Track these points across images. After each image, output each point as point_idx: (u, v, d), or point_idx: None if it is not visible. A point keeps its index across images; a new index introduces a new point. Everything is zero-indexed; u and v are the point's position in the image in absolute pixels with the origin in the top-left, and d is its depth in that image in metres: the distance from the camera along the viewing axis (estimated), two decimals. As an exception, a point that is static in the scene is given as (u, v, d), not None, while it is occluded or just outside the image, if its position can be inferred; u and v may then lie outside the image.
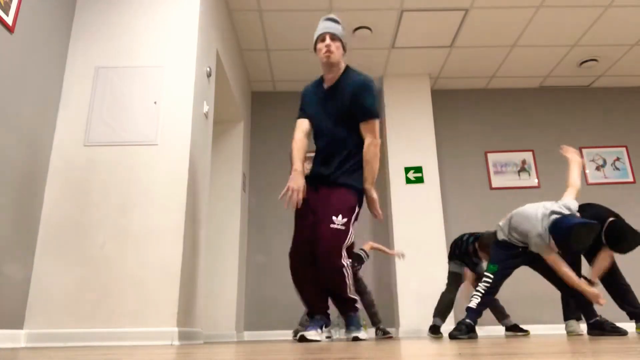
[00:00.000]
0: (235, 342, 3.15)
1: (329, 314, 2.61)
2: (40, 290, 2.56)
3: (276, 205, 5.19)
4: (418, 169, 5.09)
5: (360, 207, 2.62)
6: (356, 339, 2.50)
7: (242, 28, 4.57)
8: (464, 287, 3.90)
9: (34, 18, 2.67)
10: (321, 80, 2.76)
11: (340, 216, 2.44)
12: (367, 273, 4.77)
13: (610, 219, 3.10)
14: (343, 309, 2.59)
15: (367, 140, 2.58)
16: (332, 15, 2.68)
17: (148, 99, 2.93)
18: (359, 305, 2.62)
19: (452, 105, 5.69)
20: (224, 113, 4.65)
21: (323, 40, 2.59)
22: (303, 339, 2.42)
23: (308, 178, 2.65)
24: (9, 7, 2.42)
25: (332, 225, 2.42)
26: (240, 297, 4.55)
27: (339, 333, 4.21)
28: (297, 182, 2.50)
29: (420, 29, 4.65)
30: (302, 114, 2.77)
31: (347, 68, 2.67)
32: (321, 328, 2.52)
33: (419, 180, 5.05)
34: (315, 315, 2.57)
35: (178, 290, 2.58)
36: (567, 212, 2.84)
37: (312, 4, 4.23)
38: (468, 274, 3.83)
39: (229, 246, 4.47)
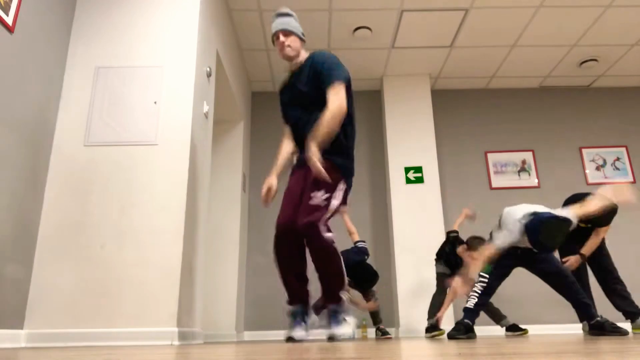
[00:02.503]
0: (235, 342, 3.15)
1: (308, 301, 2.54)
2: (40, 290, 2.56)
3: (276, 205, 5.17)
4: (418, 169, 5.09)
5: (347, 182, 2.56)
6: (331, 338, 2.35)
7: (242, 28, 4.57)
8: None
9: (34, 18, 2.66)
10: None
11: (321, 191, 2.42)
12: (367, 273, 4.76)
13: None
14: (328, 295, 2.45)
15: (328, 103, 2.44)
16: (282, 10, 2.72)
17: (148, 99, 2.93)
18: (344, 296, 2.45)
19: (452, 105, 5.68)
20: (224, 113, 4.64)
21: (277, 38, 2.66)
22: (291, 340, 2.38)
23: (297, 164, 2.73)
24: (9, 7, 2.42)
25: (310, 202, 2.41)
26: (240, 297, 4.55)
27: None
28: (267, 181, 2.69)
29: (420, 29, 4.65)
30: (283, 115, 2.81)
31: (310, 54, 2.68)
32: (304, 321, 2.46)
33: (419, 180, 5.05)
34: (294, 304, 2.51)
35: (178, 290, 2.58)
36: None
37: (312, 4, 4.23)
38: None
39: (229, 246, 4.47)
